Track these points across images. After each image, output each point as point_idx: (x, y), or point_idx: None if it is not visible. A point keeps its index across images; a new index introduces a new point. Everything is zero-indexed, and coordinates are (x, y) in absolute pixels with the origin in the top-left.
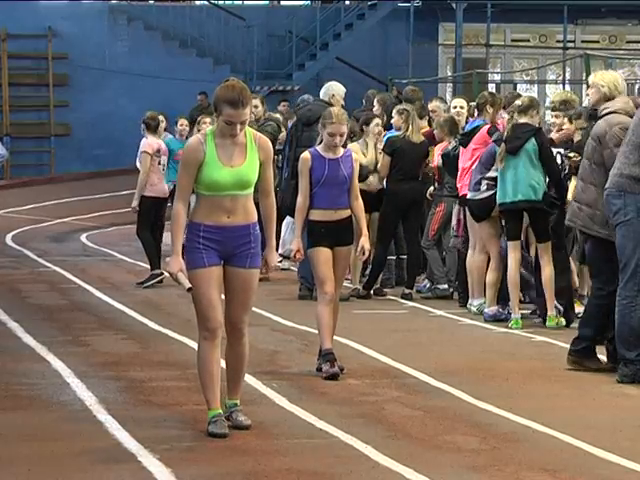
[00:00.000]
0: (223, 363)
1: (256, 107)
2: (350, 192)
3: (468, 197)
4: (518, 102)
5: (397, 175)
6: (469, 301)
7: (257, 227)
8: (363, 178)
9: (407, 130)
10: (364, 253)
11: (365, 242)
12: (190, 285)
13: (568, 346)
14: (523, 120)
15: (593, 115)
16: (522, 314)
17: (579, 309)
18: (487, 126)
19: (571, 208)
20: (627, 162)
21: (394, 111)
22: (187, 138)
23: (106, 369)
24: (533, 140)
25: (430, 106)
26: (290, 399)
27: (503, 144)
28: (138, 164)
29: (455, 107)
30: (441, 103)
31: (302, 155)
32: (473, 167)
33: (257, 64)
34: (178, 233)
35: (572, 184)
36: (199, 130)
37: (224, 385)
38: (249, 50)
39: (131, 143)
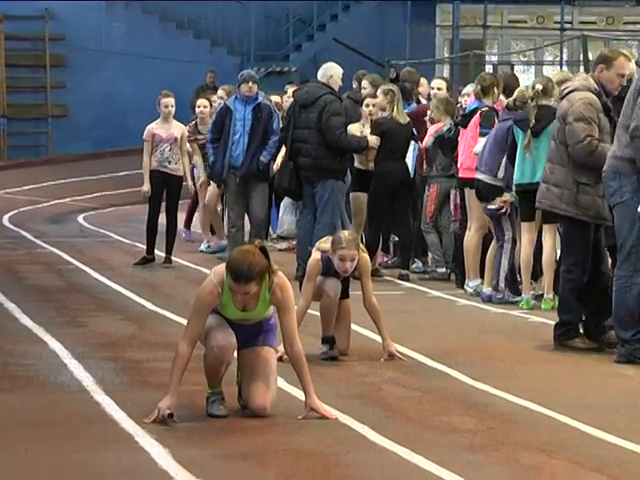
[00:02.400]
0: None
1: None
2: (364, 296)
3: (479, 177)
4: (539, 85)
5: (385, 156)
6: (465, 282)
7: (271, 320)
8: (362, 149)
9: (393, 111)
10: (391, 356)
11: (389, 346)
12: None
13: None
14: (544, 102)
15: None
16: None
17: None
18: (484, 109)
19: (540, 190)
20: (619, 144)
21: (379, 91)
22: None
23: (103, 350)
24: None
25: (436, 83)
26: (287, 380)
27: (529, 131)
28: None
29: (433, 88)
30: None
31: (314, 257)
32: (478, 148)
33: (254, 45)
34: (177, 374)
35: None
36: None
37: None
38: (246, 31)
39: (129, 124)
